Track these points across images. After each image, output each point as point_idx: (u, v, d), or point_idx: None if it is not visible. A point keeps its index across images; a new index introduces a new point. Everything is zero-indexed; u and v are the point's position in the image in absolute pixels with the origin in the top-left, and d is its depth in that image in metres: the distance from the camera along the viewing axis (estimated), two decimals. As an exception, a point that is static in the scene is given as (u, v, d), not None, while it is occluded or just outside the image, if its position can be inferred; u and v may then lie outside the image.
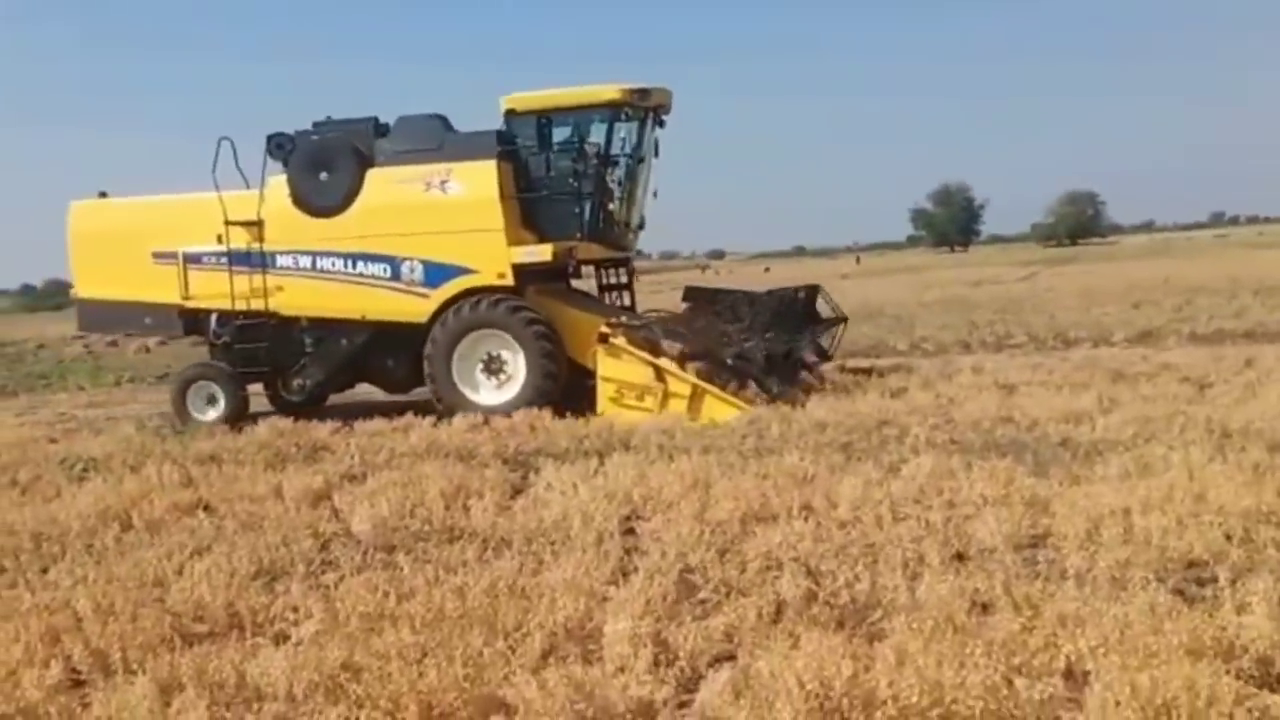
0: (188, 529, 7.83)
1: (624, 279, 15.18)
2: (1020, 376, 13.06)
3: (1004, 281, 41.33)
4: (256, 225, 13.98)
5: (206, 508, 8.53)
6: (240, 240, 14.00)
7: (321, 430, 12.13)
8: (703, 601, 5.65)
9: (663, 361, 12.19)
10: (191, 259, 14.30)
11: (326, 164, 13.71)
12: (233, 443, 11.71)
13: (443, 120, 13.78)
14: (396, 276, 13.49)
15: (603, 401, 12.44)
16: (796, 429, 10.46)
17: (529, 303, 13.26)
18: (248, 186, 14.05)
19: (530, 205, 13.53)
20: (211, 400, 14.11)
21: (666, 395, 12.13)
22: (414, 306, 13.47)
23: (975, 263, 71.85)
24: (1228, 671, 4.33)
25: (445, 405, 13.09)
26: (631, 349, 12.40)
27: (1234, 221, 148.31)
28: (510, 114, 13.64)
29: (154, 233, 14.52)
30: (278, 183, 14.02)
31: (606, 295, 15.22)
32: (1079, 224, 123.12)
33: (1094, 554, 5.90)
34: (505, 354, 13.17)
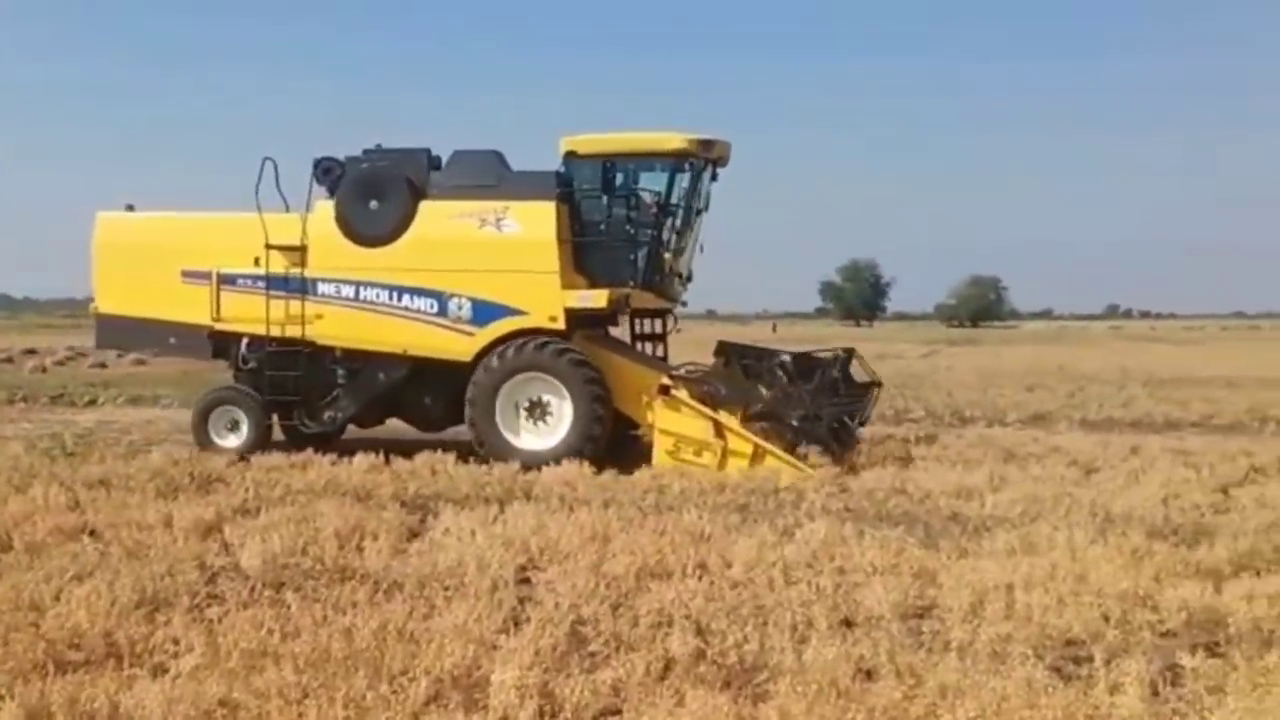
0: (70, 554, 7.57)
1: (659, 329, 14.81)
2: (915, 450, 13.30)
3: (906, 358, 42.11)
4: (299, 250, 13.51)
5: (92, 533, 8.31)
6: (280, 264, 13.55)
7: (217, 462, 11.90)
8: (592, 655, 5.65)
9: (723, 417, 12.12)
10: (226, 280, 13.76)
11: (377, 193, 13.30)
12: (124, 468, 11.41)
13: (499, 156, 13.51)
14: (443, 312, 13.11)
15: (659, 454, 12.31)
16: (697, 488, 10.57)
17: (580, 348, 12.99)
18: (287, 209, 13.69)
19: (583, 250, 13.24)
20: (233, 426, 13.61)
21: (726, 452, 12.06)
22: (459, 344, 13.10)
23: (880, 338, 73.15)
24: (1098, 749, 4.47)
25: (485, 448, 12.70)
26: (693, 403, 12.32)
27: (1128, 315, 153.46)
28: (570, 156, 13.35)
29: (185, 250, 13.98)
30: (324, 208, 13.57)
31: (638, 345, 14.88)
32: (981, 307, 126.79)
33: (977, 627, 6.03)
34: (551, 399, 12.82)
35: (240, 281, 13.75)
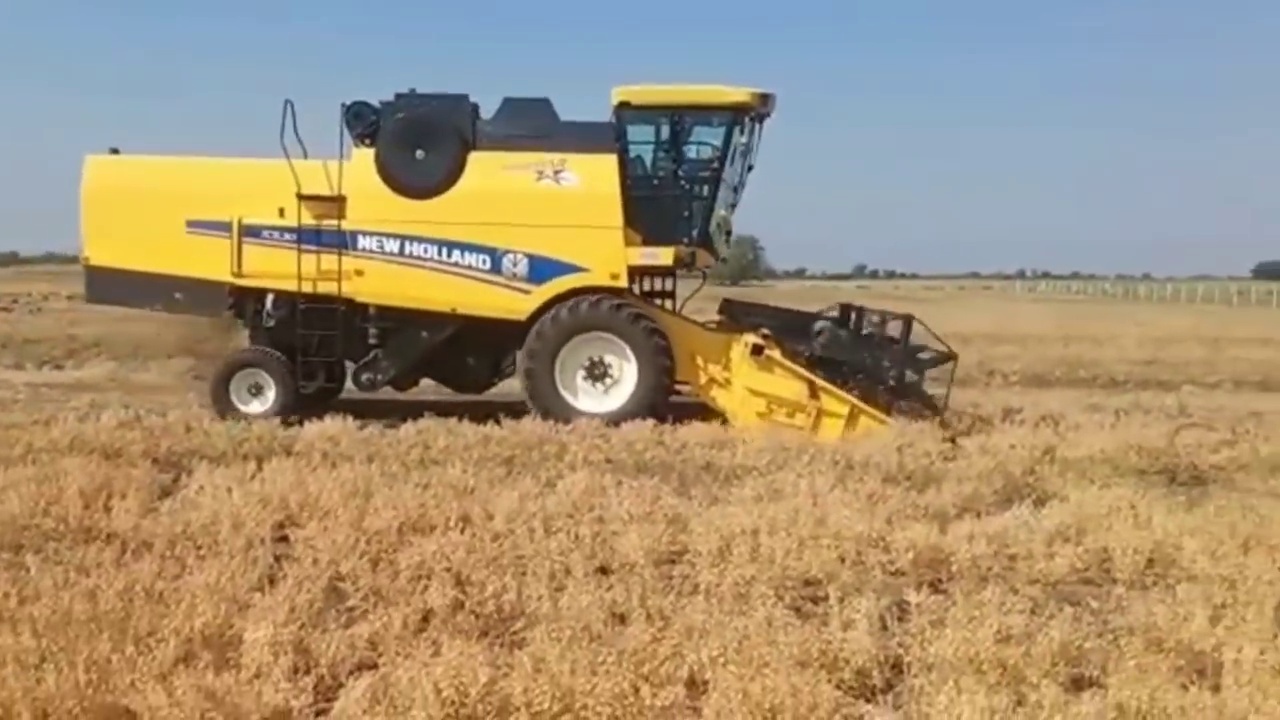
0: None
1: (670, 287, 14.00)
2: (673, 403, 13.58)
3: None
4: (335, 201, 12.56)
5: None
6: (312, 216, 12.59)
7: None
8: (350, 610, 5.67)
9: (819, 378, 11.97)
10: (250, 232, 12.68)
11: (424, 141, 12.51)
12: None
13: (550, 105, 12.72)
14: (496, 269, 12.47)
15: (747, 415, 12.03)
16: (462, 442, 10.59)
17: (643, 307, 12.53)
18: (305, 156, 12.54)
19: (639, 204, 12.64)
20: (257, 390, 12.61)
21: (820, 413, 11.88)
22: (513, 303, 12.49)
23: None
24: (829, 681, 4.80)
25: (543, 410, 12.16)
26: (788, 363, 12.09)
27: (874, 275, 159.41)
28: (623, 106, 12.69)
29: (191, 198, 12.80)
30: (363, 156, 12.66)
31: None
32: (740, 267, 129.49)
33: (723, 570, 6.33)
34: (611, 359, 12.44)
35: (266, 234, 12.73)
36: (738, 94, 12.78)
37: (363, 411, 11.85)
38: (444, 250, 12.57)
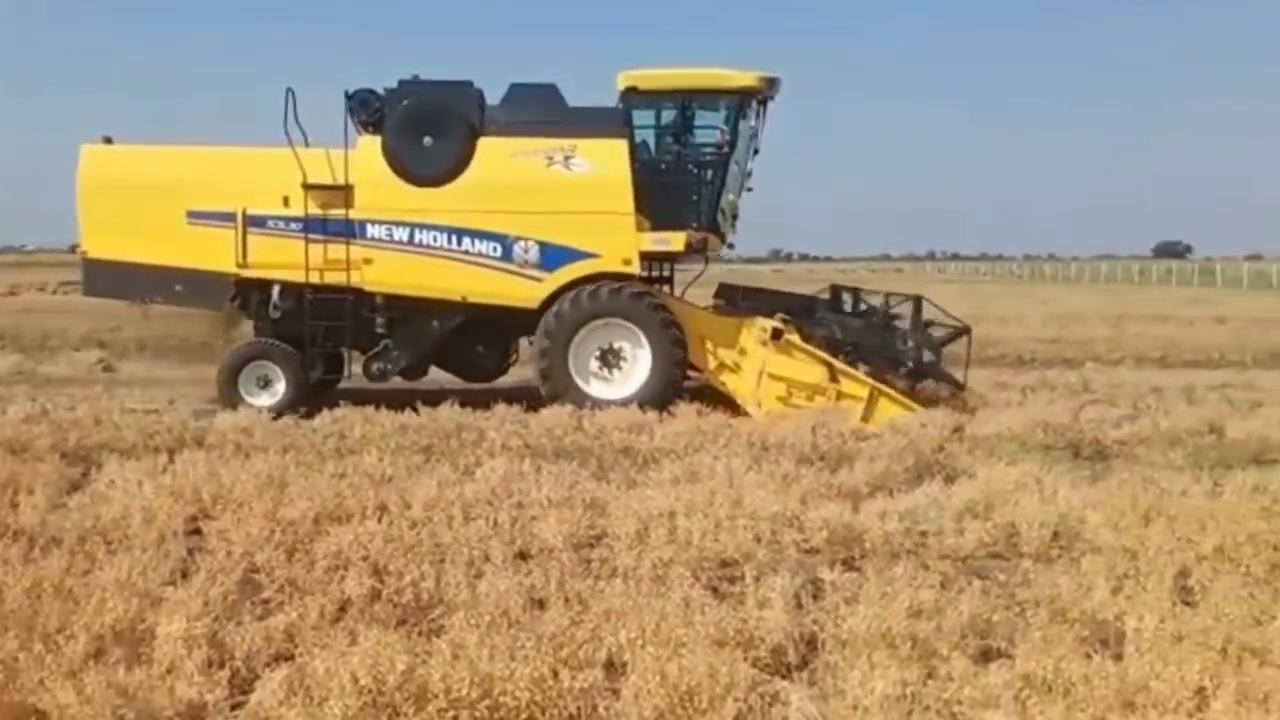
0: None
1: (666, 272, 13.91)
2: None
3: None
4: (342, 190, 12.35)
5: None
6: (319, 205, 12.36)
7: None
8: (266, 601, 5.62)
9: (838, 361, 11.96)
10: (255, 222, 12.42)
11: (431, 128, 12.36)
12: None
13: (557, 90, 12.56)
14: (508, 257, 12.38)
15: (768, 400, 11.95)
16: (379, 430, 10.53)
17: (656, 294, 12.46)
18: (306, 143, 12.22)
19: (648, 190, 12.57)
20: (265, 383, 12.34)
21: (840, 396, 11.83)
22: (525, 290, 12.42)
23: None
24: (746, 660, 4.86)
25: (556, 398, 12.12)
26: (807, 347, 12.01)
27: (788, 258, 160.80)
28: (630, 92, 12.61)
29: (192, 188, 12.50)
30: (369, 144, 12.49)
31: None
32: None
33: (641, 553, 6.39)
34: (624, 346, 12.41)
35: (272, 223, 12.49)
36: (744, 78, 12.84)
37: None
38: (454, 238, 12.52)
